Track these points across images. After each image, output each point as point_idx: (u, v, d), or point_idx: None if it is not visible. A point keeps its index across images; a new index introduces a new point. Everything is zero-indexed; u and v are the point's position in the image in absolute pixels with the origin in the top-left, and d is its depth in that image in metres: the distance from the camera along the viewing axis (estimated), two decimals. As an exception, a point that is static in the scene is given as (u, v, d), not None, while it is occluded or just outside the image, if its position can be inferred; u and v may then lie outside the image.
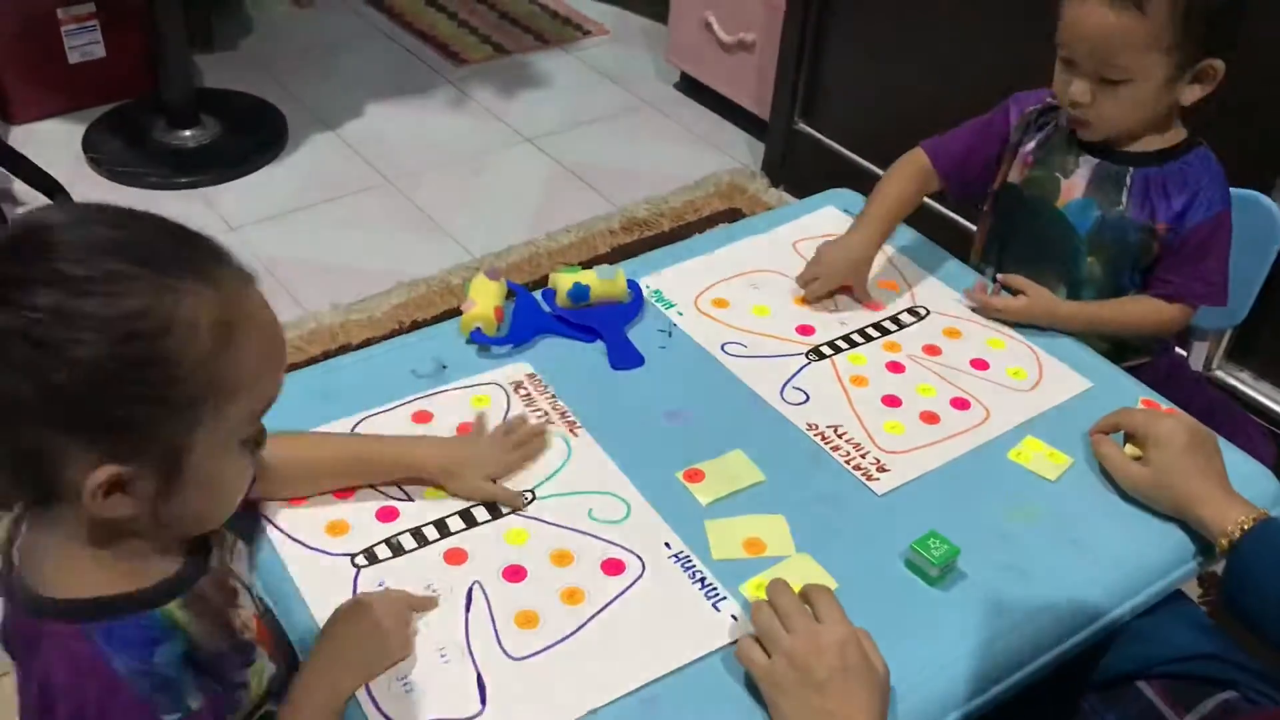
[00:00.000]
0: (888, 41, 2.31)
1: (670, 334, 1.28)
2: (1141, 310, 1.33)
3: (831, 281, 1.33)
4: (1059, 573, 1.04)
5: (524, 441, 1.10)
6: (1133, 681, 1.04)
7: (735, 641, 0.94)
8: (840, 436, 1.16)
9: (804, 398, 1.20)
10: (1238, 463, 1.15)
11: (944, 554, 1.02)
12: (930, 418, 1.20)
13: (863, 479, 1.12)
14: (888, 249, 1.42)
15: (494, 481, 1.07)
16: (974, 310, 1.34)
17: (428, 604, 0.96)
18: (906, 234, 1.47)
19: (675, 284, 1.34)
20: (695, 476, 1.11)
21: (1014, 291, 1.33)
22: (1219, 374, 1.92)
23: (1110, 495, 1.12)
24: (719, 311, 1.31)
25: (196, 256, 0.71)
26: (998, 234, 1.42)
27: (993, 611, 1.00)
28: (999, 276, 1.36)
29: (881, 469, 1.13)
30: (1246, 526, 1.02)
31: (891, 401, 1.21)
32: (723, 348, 1.26)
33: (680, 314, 1.30)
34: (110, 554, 0.74)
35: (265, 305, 0.75)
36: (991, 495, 1.11)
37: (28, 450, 0.68)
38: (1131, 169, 1.30)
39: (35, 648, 0.73)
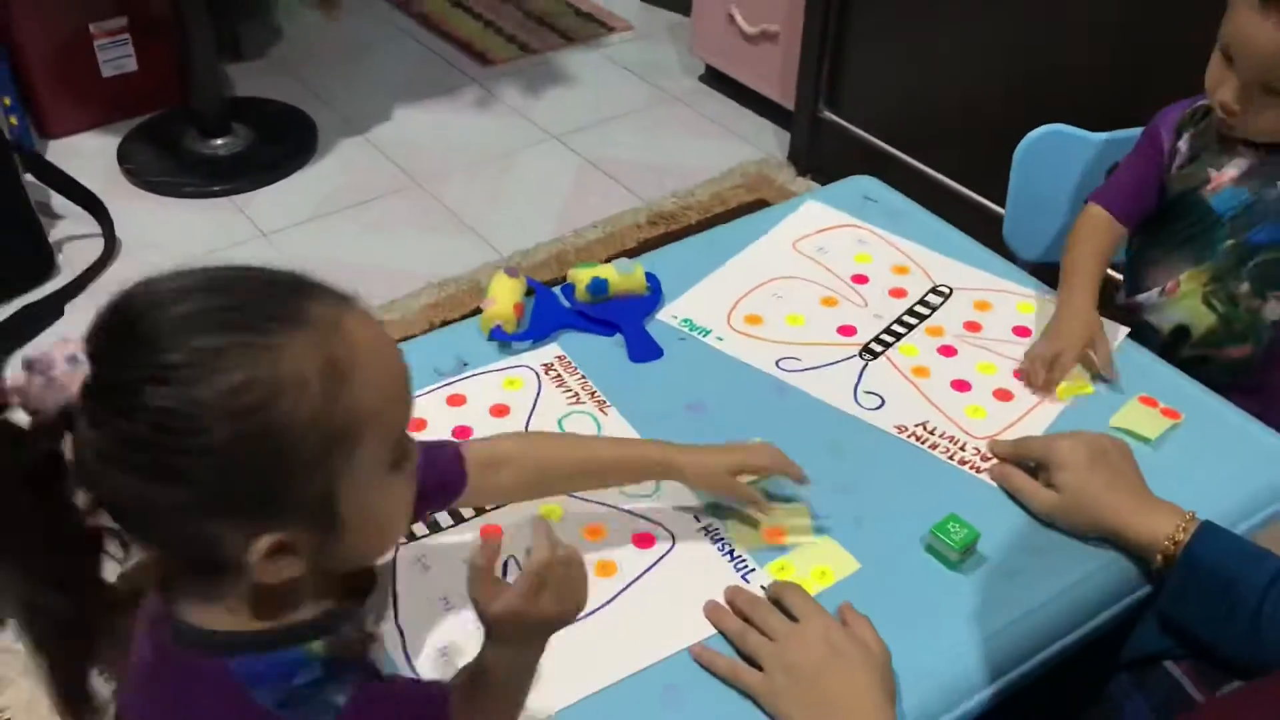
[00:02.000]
0: (910, 27, 2.30)
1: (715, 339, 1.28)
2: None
3: (1076, 349, 1.22)
4: (1080, 554, 1.04)
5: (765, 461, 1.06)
6: (1160, 662, 1.03)
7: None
8: (932, 433, 1.15)
9: (879, 401, 1.19)
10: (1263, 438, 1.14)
11: (964, 538, 1.02)
12: (1004, 395, 1.20)
13: (973, 472, 1.11)
14: (881, 232, 1.42)
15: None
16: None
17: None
18: (903, 216, 1.46)
19: (700, 308, 1.30)
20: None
21: None
22: None
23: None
24: (755, 329, 1.28)
25: (283, 302, 0.67)
26: (1145, 237, 1.39)
27: (1014, 595, 1.00)
28: None
29: (985, 458, 1.13)
30: (1181, 537, 0.98)
31: (961, 386, 1.21)
32: (778, 364, 1.23)
33: (720, 339, 1.26)
34: (275, 604, 0.72)
35: (370, 327, 0.70)
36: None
37: (182, 542, 0.68)
38: None
39: (172, 678, 0.71)
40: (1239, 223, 1.28)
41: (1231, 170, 1.28)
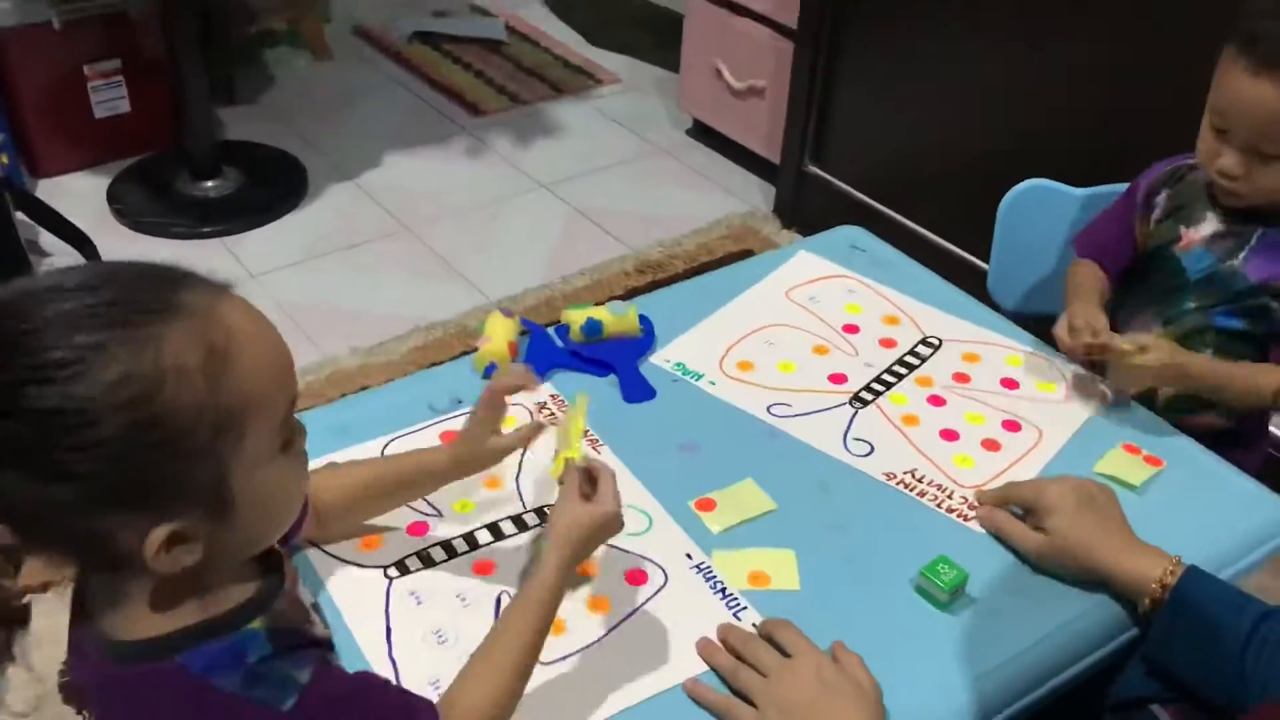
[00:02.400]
0: (894, 85, 2.35)
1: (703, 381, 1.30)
2: (1267, 379, 1.28)
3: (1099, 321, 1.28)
4: (1068, 596, 1.05)
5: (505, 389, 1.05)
6: (1147, 705, 1.04)
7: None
8: (920, 480, 1.17)
9: (869, 448, 1.21)
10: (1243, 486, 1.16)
11: (953, 579, 1.03)
12: (992, 445, 1.22)
13: (960, 520, 1.13)
14: (871, 283, 1.45)
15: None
16: (1086, 359, 1.28)
17: (603, 472, 0.97)
18: (890, 266, 1.49)
19: (693, 353, 1.32)
20: (707, 506, 1.13)
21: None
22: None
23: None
24: (747, 374, 1.30)
25: (158, 293, 0.68)
26: (1122, 292, 1.41)
27: (1002, 636, 1.01)
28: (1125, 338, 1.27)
29: (973, 506, 1.14)
30: (1169, 580, 1.00)
31: (949, 435, 1.23)
32: (769, 410, 1.25)
33: (712, 383, 1.28)
34: (185, 594, 0.73)
35: (248, 312, 0.72)
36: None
37: (79, 538, 0.68)
38: (1262, 229, 1.27)
39: (132, 694, 0.72)
40: (1202, 292, 1.31)
41: (1204, 229, 1.31)
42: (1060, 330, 1.29)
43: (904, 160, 2.39)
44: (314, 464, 1.11)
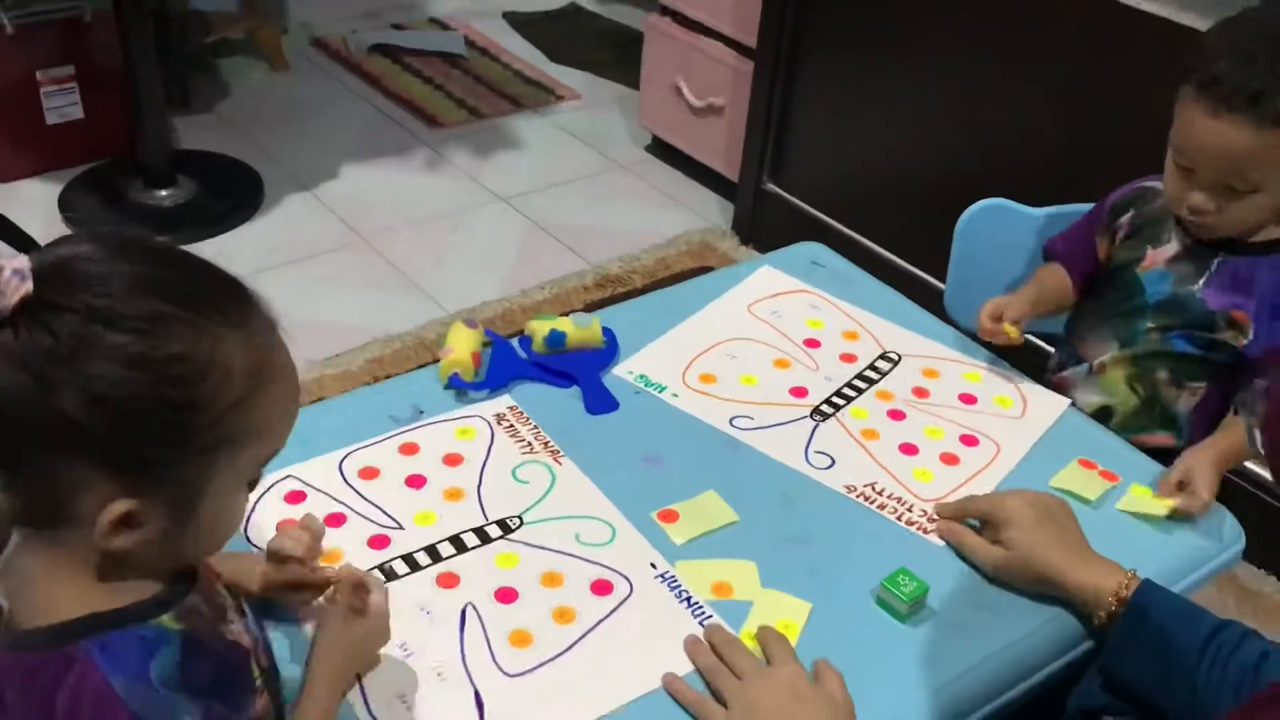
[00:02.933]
0: (853, 105, 2.38)
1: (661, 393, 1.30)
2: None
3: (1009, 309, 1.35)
4: (1026, 609, 1.06)
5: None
6: (1101, 717, 1.06)
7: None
8: (880, 494, 1.18)
9: (829, 461, 1.21)
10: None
11: (913, 591, 1.04)
12: (950, 459, 1.23)
13: (919, 533, 1.13)
14: (836, 300, 1.46)
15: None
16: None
17: (375, 584, 0.94)
18: (849, 281, 1.51)
19: (656, 365, 1.32)
20: (669, 517, 1.13)
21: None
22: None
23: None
24: (709, 387, 1.30)
25: (232, 299, 0.72)
26: (1083, 303, 1.43)
27: (961, 648, 1.02)
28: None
29: (931, 519, 1.15)
30: (1124, 594, 1.01)
31: (909, 449, 1.24)
32: (731, 423, 1.25)
33: (675, 395, 1.28)
34: (93, 582, 0.73)
35: (287, 350, 0.76)
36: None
37: (50, 473, 0.69)
38: (1221, 255, 1.29)
39: (31, 681, 0.72)
40: (1160, 314, 1.33)
41: (1165, 250, 1.33)
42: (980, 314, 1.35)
43: (861, 179, 2.42)
44: (270, 476, 1.12)
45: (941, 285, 1.61)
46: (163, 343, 0.67)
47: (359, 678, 0.93)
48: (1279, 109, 1.15)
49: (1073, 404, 1.34)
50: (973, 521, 1.13)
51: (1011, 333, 1.33)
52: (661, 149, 3.01)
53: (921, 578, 1.05)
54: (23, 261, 0.66)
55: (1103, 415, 1.37)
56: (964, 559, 1.11)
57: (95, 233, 0.72)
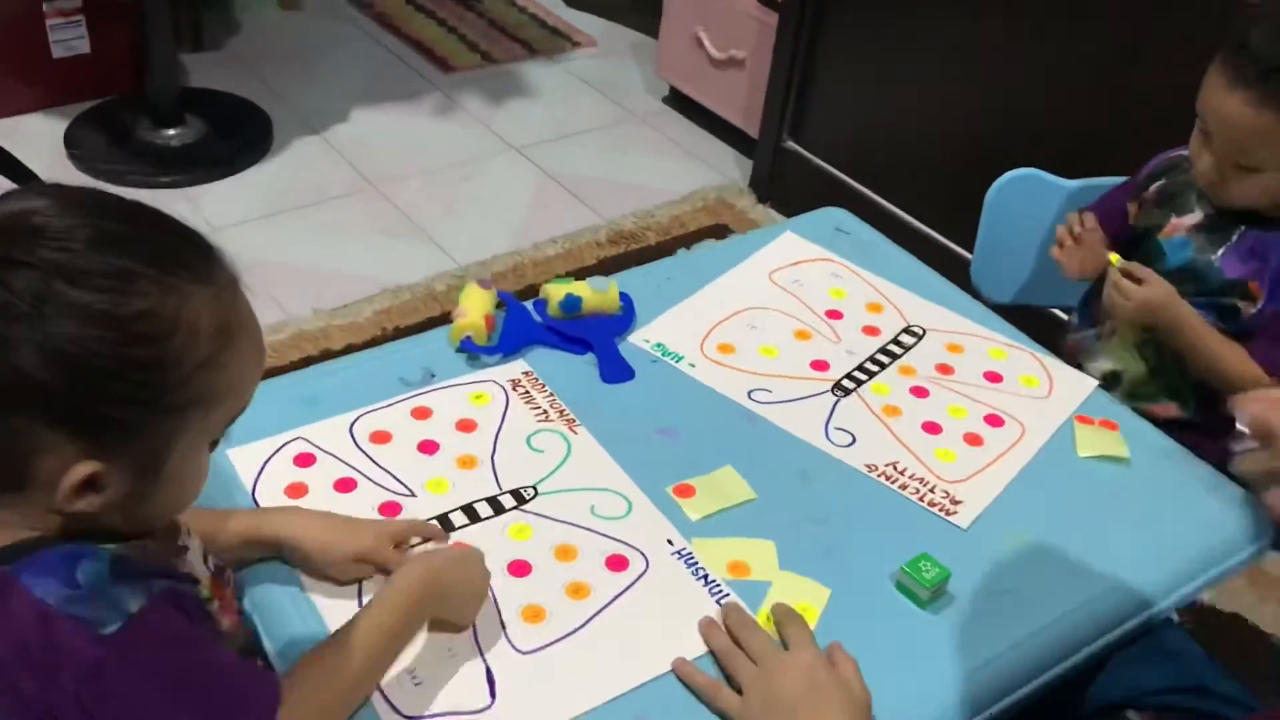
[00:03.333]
0: (877, 62, 2.32)
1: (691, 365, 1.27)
2: (1234, 356, 1.27)
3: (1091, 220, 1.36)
4: (1049, 597, 1.04)
5: (403, 541, 0.99)
6: (1122, 710, 1.04)
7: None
8: (902, 473, 1.15)
9: (850, 439, 1.18)
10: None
11: (935, 577, 1.02)
12: (974, 439, 1.20)
13: (941, 515, 1.10)
14: (855, 268, 1.42)
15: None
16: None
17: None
18: (874, 250, 1.47)
19: (673, 334, 1.29)
20: (686, 492, 1.10)
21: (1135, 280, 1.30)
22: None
23: (1101, 519, 1.12)
24: (728, 358, 1.27)
25: (196, 254, 0.70)
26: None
27: (981, 637, 1.00)
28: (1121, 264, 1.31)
29: (954, 501, 1.12)
30: None
31: (932, 428, 1.21)
32: (750, 395, 1.22)
33: (692, 365, 1.25)
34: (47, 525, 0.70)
35: (250, 308, 0.74)
36: (1006, 525, 1.11)
37: (8, 435, 0.66)
38: (1244, 227, 1.28)
39: None
40: (1177, 281, 1.30)
41: (1189, 219, 1.31)
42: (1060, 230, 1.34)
43: (885, 140, 2.37)
44: (280, 437, 1.09)
45: (963, 252, 1.58)
46: (128, 299, 0.65)
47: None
48: None
49: (1082, 371, 1.32)
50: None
51: (1113, 258, 1.31)
52: (679, 101, 2.96)
53: (943, 563, 1.02)
54: None
55: (1111, 382, 1.36)
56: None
57: (52, 187, 0.69)
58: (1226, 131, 1.20)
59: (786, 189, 2.58)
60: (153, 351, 0.66)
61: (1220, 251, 1.28)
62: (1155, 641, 1.07)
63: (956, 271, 1.53)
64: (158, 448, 0.69)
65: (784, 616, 0.96)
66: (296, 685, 0.78)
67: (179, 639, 0.71)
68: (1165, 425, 1.27)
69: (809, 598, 1.01)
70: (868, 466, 1.15)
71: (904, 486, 1.14)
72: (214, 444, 0.75)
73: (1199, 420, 1.35)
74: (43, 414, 0.65)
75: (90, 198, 0.69)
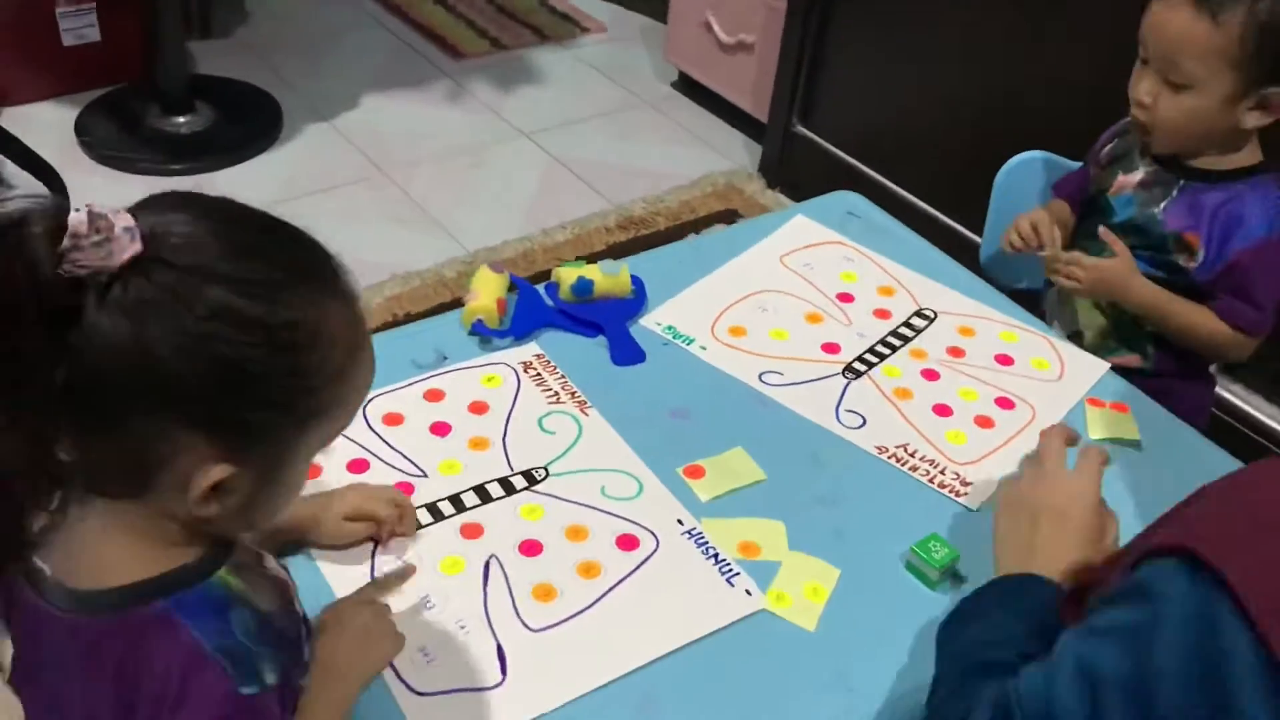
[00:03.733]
0: (887, 46, 2.32)
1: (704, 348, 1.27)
2: (1201, 319, 1.32)
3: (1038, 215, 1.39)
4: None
5: (399, 504, 1.01)
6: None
7: (749, 615, 0.97)
8: (913, 455, 1.15)
9: (861, 420, 1.19)
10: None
11: (944, 557, 1.02)
12: (985, 422, 1.20)
13: (951, 496, 1.11)
14: (867, 251, 1.42)
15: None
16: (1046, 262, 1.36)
17: (403, 576, 0.93)
18: (886, 233, 1.47)
19: (684, 316, 1.30)
20: (696, 473, 1.11)
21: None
22: (1229, 396, 1.90)
23: (1113, 500, 1.11)
24: (739, 340, 1.27)
25: (328, 268, 0.72)
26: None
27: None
28: (1101, 231, 1.35)
29: (965, 482, 1.12)
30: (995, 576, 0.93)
31: (942, 410, 1.21)
32: (760, 378, 1.22)
33: (703, 348, 1.26)
34: (151, 545, 0.71)
35: (366, 324, 0.75)
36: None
37: (145, 435, 0.66)
38: (1183, 180, 1.31)
39: (99, 642, 0.70)
40: (1124, 235, 1.34)
41: (1134, 176, 1.35)
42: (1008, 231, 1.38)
43: (895, 124, 2.36)
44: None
45: (973, 236, 1.57)
46: (280, 308, 0.66)
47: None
48: (1222, 4, 1.17)
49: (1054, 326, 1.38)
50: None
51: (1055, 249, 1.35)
52: (688, 86, 2.95)
53: (952, 544, 1.03)
54: (130, 219, 0.64)
55: (1075, 339, 1.39)
56: None
57: (185, 195, 0.70)
58: (1162, 47, 1.23)
59: (796, 174, 2.58)
60: (297, 360, 0.67)
61: (1162, 205, 1.32)
62: None
63: (966, 255, 1.53)
64: (283, 454, 0.71)
65: (1085, 453, 0.97)
66: None
67: None
68: (1128, 375, 1.30)
69: (819, 578, 1.02)
70: (878, 448, 1.16)
71: (914, 468, 1.14)
72: (320, 450, 0.75)
73: (1161, 368, 1.39)
74: (185, 413, 0.66)
75: (224, 208, 0.70)
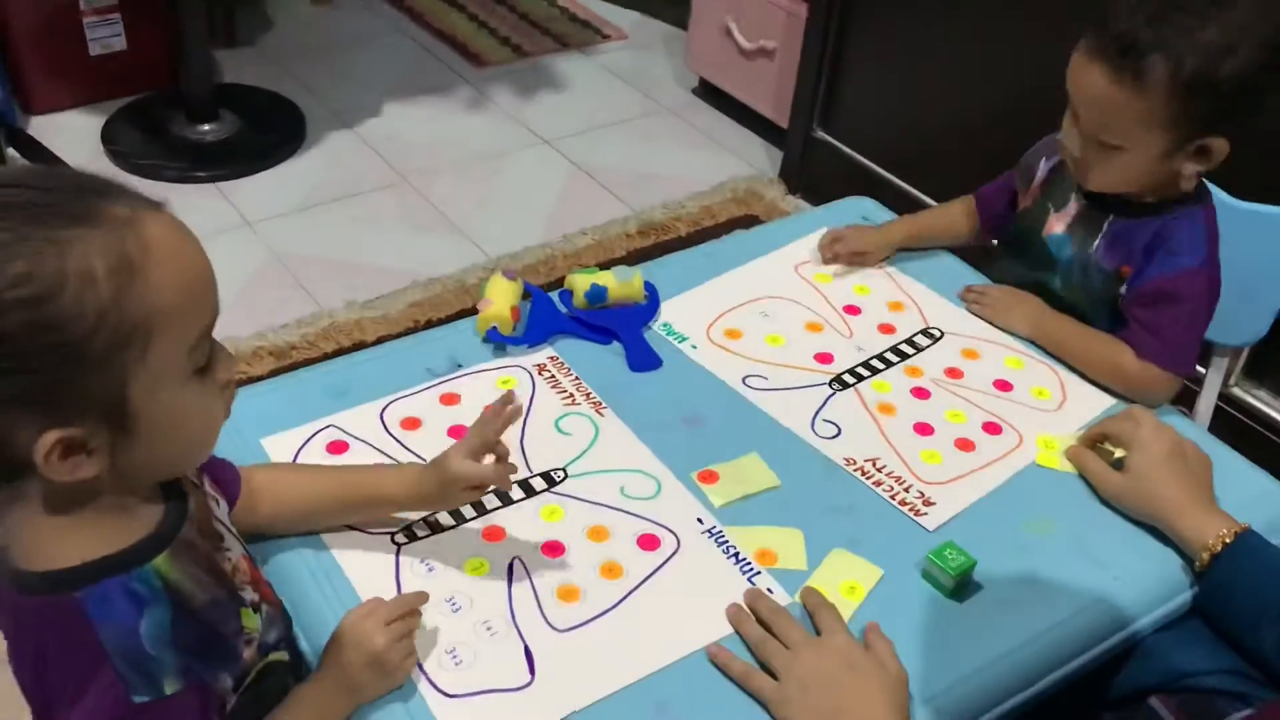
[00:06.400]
0: (907, 52, 2.31)
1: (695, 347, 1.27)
2: (1105, 349, 1.25)
3: (852, 243, 1.38)
4: (1076, 587, 1.03)
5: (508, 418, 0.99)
6: (1146, 699, 1.03)
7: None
8: (880, 470, 1.13)
9: (835, 431, 1.17)
10: (1258, 479, 1.15)
11: (960, 565, 1.01)
12: (965, 445, 1.17)
13: (910, 514, 1.09)
14: (889, 268, 1.41)
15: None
16: (971, 310, 1.36)
17: (419, 601, 0.91)
18: (910, 253, 1.46)
19: (684, 315, 1.29)
20: (709, 478, 1.10)
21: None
22: (1236, 391, 1.91)
23: (1108, 521, 1.11)
24: (733, 343, 1.27)
25: (78, 201, 0.67)
26: (1002, 261, 1.42)
27: (1007, 624, 0.99)
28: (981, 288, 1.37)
29: (927, 502, 1.10)
30: (1227, 540, 1.02)
31: (924, 429, 1.19)
32: (744, 381, 1.22)
33: (694, 347, 1.25)
34: (87, 516, 0.72)
35: (173, 228, 0.71)
36: (1031, 512, 1.11)
37: None
38: (1111, 216, 1.27)
39: (25, 622, 0.72)
40: (1071, 276, 1.31)
41: (1065, 214, 1.31)
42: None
43: (915, 130, 2.35)
44: (311, 425, 1.11)
45: (994, 241, 1.56)
46: (4, 267, 0.63)
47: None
48: (1143, 68, 1.11)
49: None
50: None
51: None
52: (709, 92, 2.95)
53: (968, 552, 1.02)
54: None
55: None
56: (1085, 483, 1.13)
57: None
58: (1088, 107, 1.17)
59: (817, 179, 2.57)
60: (47, 311, 0.64)
61: (1095, 244, 1.27)
62: (1195, 625, 1.06)
63: (984, 261, 1.52)
64: (113, 398, 0.68)
65: (815, 603, 0.97)
66: None
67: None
68: None
69: (859, 576, 1.02)
70: (846, 460, 1.14)
71: (878, 483, 1.12)
72: (201, 370, 0.72)
73: None
74: None
75: None
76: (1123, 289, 1.26)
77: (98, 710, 0.70)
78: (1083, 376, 1.27)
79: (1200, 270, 1.22)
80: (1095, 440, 1.15)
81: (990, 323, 1.33)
